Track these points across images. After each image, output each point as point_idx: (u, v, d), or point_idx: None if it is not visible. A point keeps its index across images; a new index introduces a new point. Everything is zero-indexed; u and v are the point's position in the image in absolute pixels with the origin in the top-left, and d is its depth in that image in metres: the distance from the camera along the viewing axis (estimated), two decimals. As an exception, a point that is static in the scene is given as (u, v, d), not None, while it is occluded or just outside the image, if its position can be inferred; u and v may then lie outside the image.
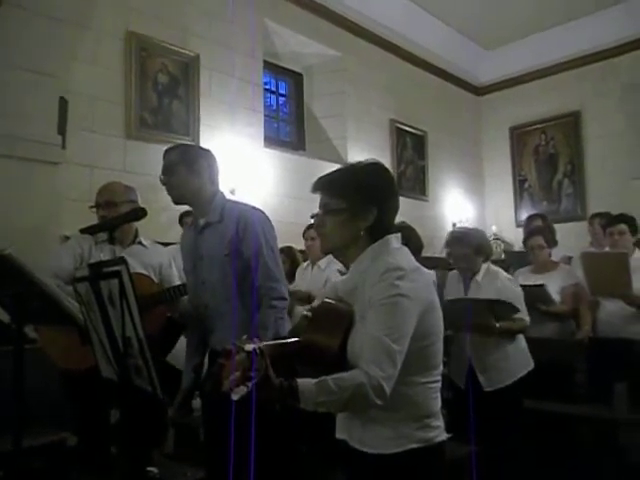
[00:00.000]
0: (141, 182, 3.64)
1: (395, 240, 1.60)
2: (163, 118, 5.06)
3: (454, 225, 7.96)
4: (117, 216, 2.61)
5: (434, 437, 1.53)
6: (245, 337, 1.32)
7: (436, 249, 7.09)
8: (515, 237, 7.91)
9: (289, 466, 2.31)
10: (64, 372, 2.69)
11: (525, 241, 4.27)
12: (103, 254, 2.56)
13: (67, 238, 3.28)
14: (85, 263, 2.57)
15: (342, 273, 1.70)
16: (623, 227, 3.87)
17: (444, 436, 1.56)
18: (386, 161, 7.07)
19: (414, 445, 1.49)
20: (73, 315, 1.94)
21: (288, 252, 4.41)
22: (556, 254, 4.72)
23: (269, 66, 6.65)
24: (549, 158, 8.48)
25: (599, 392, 3.62)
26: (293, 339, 1.57)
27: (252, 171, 5.56)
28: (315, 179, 1.65)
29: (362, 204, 1.56)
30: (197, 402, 2.56)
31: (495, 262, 3.41)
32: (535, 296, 3.71)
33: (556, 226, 5.11)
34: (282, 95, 7.13)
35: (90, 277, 1.70)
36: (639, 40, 7.53)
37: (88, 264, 1.85)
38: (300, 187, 5.66)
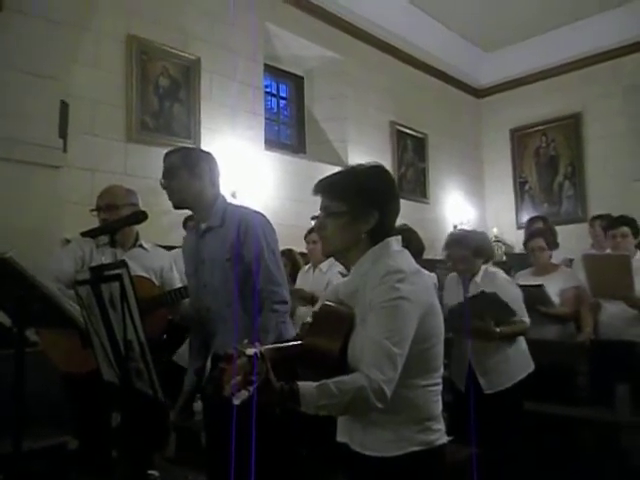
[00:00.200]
0: (142, 185, 3.64)
1: (396, 243, 1.60)
2: (164, 121, 5.07)
3: (455, 227, 7.95)
4: (118, 219, 2.61)
5: (435, 440, 1.52)
6: (246, 341, 1.32)
7: (437, 251, 7.08)
8: (516, 239, 7.91)
9: (290, 470, 2.30)
10: (65, 375, 2.69)
11: (526, 243, 4.27)
12: (104, 257, 2.57)
13: (68, 241, 3.29)
14: (86, 266, 2.57)
15: (343, 275, 1.70)
16: (625, 230, 3.87)
17: (445, 439, 1.56)
18: (387, 163, 7.04)
19: (415, 448, 1.49)
20: (74, 318, 1.95)
21: (289, 255, 4.41)
22: (557, 256, 4.71)
23: (270, 69, 6.66)
24: (550, 160, 8.48)
25: (601, 395, 3.61)
26: (294, 342, 1.57)
27: (253, 174, 5.56)
28: (316, 182, 1.65)
29: (363, 207, 1.56)
30: (199, 405, 2.56)
31: (496, 264, 3.40)
32: (534, 297, 3.70)
33: (557, 228, 5.10)
34: (283, 98, 7.14)
35: (91, 280, 1.70)
36: (640, 42, 7.55)
37: (89, 267, 1.85)
38: (301, 190, 5.67)
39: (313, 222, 1.66)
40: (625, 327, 3.77)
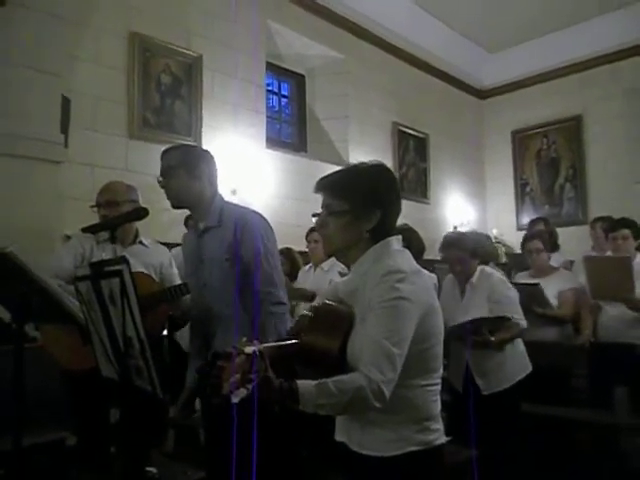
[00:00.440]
0: (143, 182, 3.64)
1: (396, 242, 1.60)
2: (166, 118, 5.07)
3: (455, 228, 7.96)
4: (119, 215, 2.61)
5: (434, 440, 1.52)
6: (245, 339, 1.31)
7: (437, 252, 7.09)
8: (516, 240, 7.81)
9: (289, 470, 2.30)
10: (64, 371, 2.69)
11: (523, 244, 4.27)
12: (105, 253, 2.57)
13: (68, 237, 3.29)
14: (86, 262, 2.57)
15: (342, 274, 1.70)
16: (626, 232, 3.87)
17: (443, 439, 1.56)
18: (388, 163, 6.89)
19: (414, 448, 1.48)
20: (73, 314, 1.94)
21: (287, 254, 4.40)
22: (557, 259, 4.71)
23: (272, 67, 6.65)
24: (551, 162, 8.48)
25: (600, 397, 3.62)
26: (293, 341, 1.57)
27: (254, 172, 5.56)
28: (317, 181, 1.65)
29: (365, 206, 1.56)
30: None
31: (497, 265, 3.41)
32: (530, 295, 3.70)
33: (558, 230, 5.11)
34: (284, 96, 7.13)
35: (91, 276, 1.70)
36: (642, 45, 7.54)
37: (89, 263, 1.85)
38: (301, 189, 5.68)
39: (314, 219, 1.66)
40: (624, 329, 3.77)
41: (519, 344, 3.19)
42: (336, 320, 1.55)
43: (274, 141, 6.41)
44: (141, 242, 2.91)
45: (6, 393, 1.87)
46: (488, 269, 3.28)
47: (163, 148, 2.41)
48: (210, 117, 5.36)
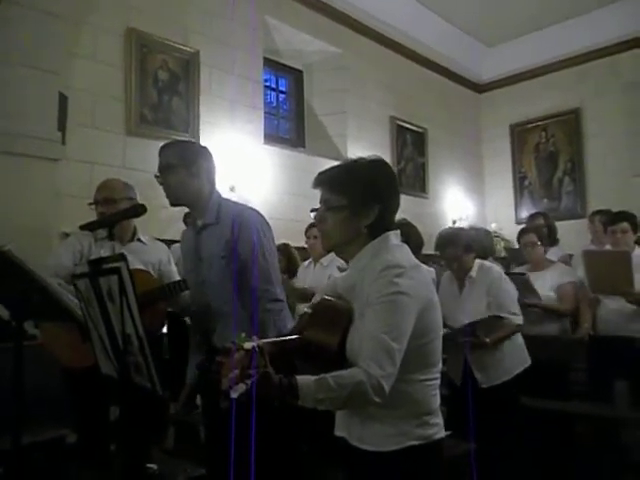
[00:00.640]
0: (141, 179, 3.63)
1: (394, 237, 1.59)
2: (163, 115, 5.06)
3: (454, 222, 7.96)
4: (117, 212, 2.60)
5: (433, 434, 1.52)
6: (244, 335, 1.31)
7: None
8: (516, 234, 7.86)
9: (289, 465, 2.31)
10: (64, 369, 2.69)
11: (519, 238, 4.28)
12: (103, 251, 2.56)
13: (67, 235, 3.29)
14: (85, 260, 2.57)
15: (341, 270, 1.70)
16: (625, 225, 3.86)
17: (443, 433, 1.56)
18: (386, 158, 6.89)
19: (413, 442, 1.49)
20: (72, 311, 1.94)
21: (284, 250, 4.39)
22: (556, 252, 4.71)
23: (269, 63, 6.64)
24: (549, 156, 8.47)
25: (600, 390, 3.62)
26: (292, 336, 1.57)
27: (252, 168, 5.55)
28: (315, 176, 1.65)
29: (364, 201, 1.56)
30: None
31: (496, 259, 3.41)
32: (518, 284, 3.69)
33: (556, 224, 5.10)
34: (282, 92, 7.12)
35: (90, 273, 1.69)
36: (640, 38, 7.53)
37: (88, 261, 1.85)
38: (300, 184, 5.67)
39: (313, 215, 1.65)
40: (624, 323, 3.77)
41: (517, 338, 3.20)
42: (335, 315, 1.55)
43: (272, 137, 6.40)
44: (139, 239, 2.90)
45: (5, 391, 1.87)
46: (488, 263, 3.29)
47: (161, 144, 2.40)
48: (208, 113, 5.35)
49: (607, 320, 3.89)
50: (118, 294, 1.58)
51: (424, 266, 1.65)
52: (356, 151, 6.53)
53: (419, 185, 7.92)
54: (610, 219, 4.07)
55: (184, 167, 2.28)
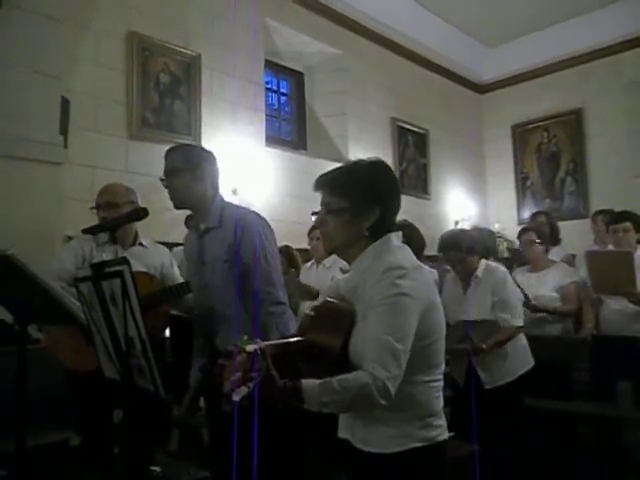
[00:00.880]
0: (143, 182, 3.65)
1: (396, 238, 1.60)
2: (165, 118, 5.06)
3: (456, 223, 7.95)
4: (119, 216, 2.61)
5: (436, 436, 1.52)
6: (246, 337, 1.32)
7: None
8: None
9: (293, 468, 2.31)
10: (67, 372, 2.69)
11: (519, 237, 4.28)
12: (106, 254, 2.57)
13: (70, 238, 3.29)
14: (88, 264, 2.57)
15: (343, 271, 1.70)
16: (628, 225, 3.86)
17: (446, 435, 1.56)
18: (388, 159, 6.98)
19: (417, 444, 1.49)
20: (75, 314, 1.95)
21: (286, 251, 4.40)
22: (559, 252, 4.71)
23: (270, 65, 6.64)
24: (551, 156, 8.46)
25: (603, 390, 3.62)
26: (295, 338, 1.57)
27: (254, 170, 5.56)
28: (316, 179, 1.65)
29: (365, 203, 1.56)
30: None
31: (498, 260, 3.41)
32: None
33: (559, 224, 5.10)
34: (283, 94, 7.13)
35: (92, 277, 1.70)
36: (642, 37, 7.52)
37: (90, 264, 1.85)
38: (301, 186, 5.67)
39: (314, 218, 1.66)
40: (627, 323, 3.77)
41: (521, 339, 3.20)
42: (338, 318, 1.55)
43: (273, 139, 6.41)
44: (141, 243, 2.91)
45: (9, 394, 1.87)
46: (493, 264, 3.28)
47: (163, 148, 2.42)
48: (209, 116, 5.36)
49: (610, 320, 3.88)
50: (121, 297, 1.58)
51: (426, 267, 1.65)
52: (357, 153, 6.53)
53: (421, 186, 7.92)
54: (612, 218, 4.07)
55: (189, 171, 2.30)
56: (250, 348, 1.27)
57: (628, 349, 3.62)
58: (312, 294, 3.94)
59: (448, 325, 1.64)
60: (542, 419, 3.40)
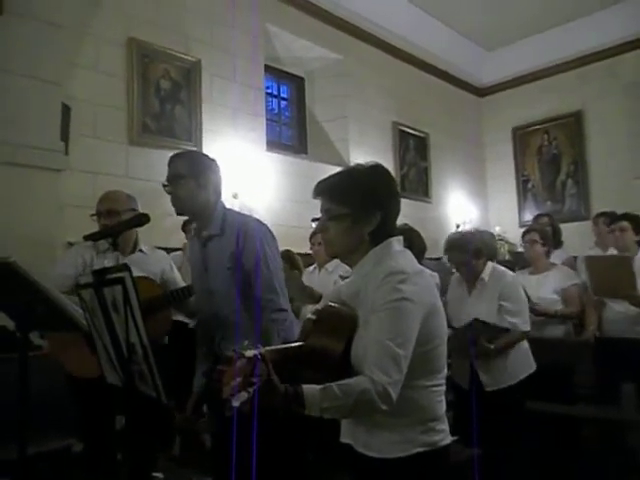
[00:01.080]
0: (144, 188, 3.66)
1: (397, 243, 1.59)
2: (166, 124, 5.07)
3: (457, 227, 7.95)
4: (121, 222, 2.61)
5: (439, 441, 1.52)
6: (246, 342, 1.31)
7: (440, 251, 7.07)
8: (519, 238, 7.86)
9: (296, 473, 2.31)
10: (69, 378, 2.69)
11: (522, 237, 4.28)
12: (107, 261, 2.57)
13: (71, 244, 3.29)
14: (89, 270, 2.58)
15: (343, 278, 1.70)
16: (624, 224, 3.87)
17: (449, 439, 1.56)
18: (389, 163, 7.06)
19: (419, 449, 1.48)
20: (77, 321, 1.95)
21: (287, 256, 4.39)
22: (560, 255, 4.71)
23: (271, 70, 6.66)
24: (552, 158, 8.46)
25: (606, 393, 3.61)
26: (296, 344, 1.57)
27: (254, 175, 5.56)
28: (314, 186, 1.65)
29: (365, 208, 1.56)
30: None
31: (499, 262, 3.40)
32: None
33: (560, 226, 5.10)
34: (284, 99, 7.14)
35: (94, 284, 1.70)
36: (641, 39, 7.52)
37: (92, 271, 1.86)
38: (302, 191, 5.67)
39: (314, 224, 1.66)
40: (630, 325, 3.77)
41: (523, 343, 3.19)
42: (339, 322, 1.55)
43: (274, 144, 6.41)
44: (141, 250, 2.92)
45: (11, 401, 1.87)
46: (501, 268, 3.26)
47: (164, 153, 2.44)
48: (210, 121, 5.37)
49: (613, 322, 3.88)
50: (122, 304, 1.59)
51: (428, 271, 1.65)
52: (358, 157, 6.59)
53: (422, 190, 7.92)
54: (612, 220, 4.08)
55: (193, 178, 2.31)
56: (249, 353, 1.26)
57: (631, 351, 3.61)
58: (314, 297, 3.94)
59: (450, 326, 1.64)
60: (545, 422, 3.39)
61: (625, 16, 7.40)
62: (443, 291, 3.35)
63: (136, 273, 2.37)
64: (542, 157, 8.57)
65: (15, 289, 1.87)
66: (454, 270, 3.41)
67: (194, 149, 4.82)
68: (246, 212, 2.93)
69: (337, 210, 1.57)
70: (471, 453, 2.42)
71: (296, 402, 1.32)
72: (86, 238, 2.37)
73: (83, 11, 4.57)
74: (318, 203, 1.64)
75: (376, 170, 1.63)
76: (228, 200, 4.18)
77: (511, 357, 3.07)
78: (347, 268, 1.68)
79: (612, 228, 3.94)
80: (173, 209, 2.39)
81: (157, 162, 4.43)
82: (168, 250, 3.23)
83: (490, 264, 3.22)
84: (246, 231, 2.26)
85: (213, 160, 2.45)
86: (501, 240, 7.98)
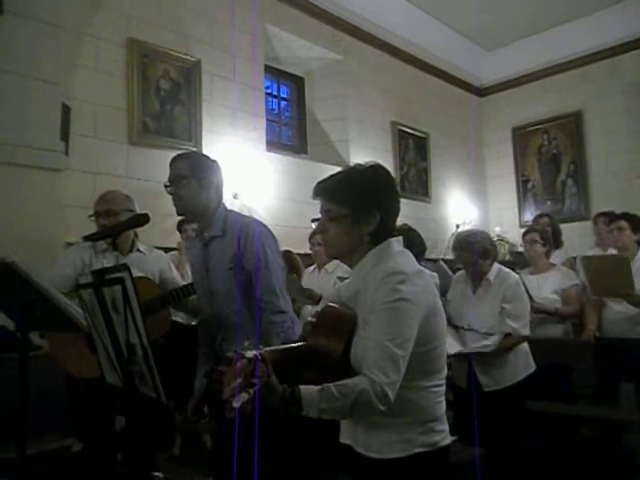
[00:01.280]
0: (144, 188, 3.65)
1: (397, 243, 1.60)
2: (165, 124, 5.07)
3: (457, 227, 7.95)
4: (120, 222, 2.61)
5: (439, 441, 1.52)
6: (247, 343, 1.32)
7: (439, 251, 7.08)
8: (519, 238, 7.86)
9: (296, 474, 2.31)
10: (69, 378, 2.69)
11: (523, 237, 4.29)
12: (106, 261, 2.58)
13: (70, 244, 3.30)
14: (88, 271, 2.58)
15: (342, 279, 1.70)
16: (622, 223, 3.87)
17: (449, 440, 1.56)
18: (388, 163, 7.06)
19: (419, 450, 1.48)
20: (77, 321, 1.95)
21: (287, 256, 4.38)
22: (560, 256, 4.71)
23: (270, 70, 6.65)
24: (552, 158, 8.46)
25: (606, 392, 3.61)
26: (296, 344, 1.57)
27: (255, 175, 5.56)
28: (314, 186, 1.65)
29: (365, 209, 1.56)
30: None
31: (500, 263, 3.40)
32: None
33: (560, 226, 5.10)
34: (284, 99, 7.13)
35: (94, 284, 1.70)
36: (641, 39, 7.52)
37: (91, 271, 1.86)
38: (302, 191, 5.67)
39: (314, 225, 1.66)
40: (629, 325, 3.77)
41: (523, 344, 3.19)
42: (339, 323, 1.55)
43: (274, 144, 6.41)
44: (138, 250, 2.92)
45: (11, 401, 1.87)
46: (506, 269, 3.26)
47: (164, 153, 2.44)
48: (210, 121, 5.36)
49: (612, 323, 3.88)
50: (122, 304, 1.59)
51: (427, 271, 1.65)
52: (358, 157, 6.58)
53: (422, 190, 7.91)
54: (612, 220, 4.08)
55: (195, 180, 2.31)
56: (250, 354, 1.27)
57: (631, 351, 3.61)
58: (314, 298, 3.94)
59: (451, 324, 1.64)
60: (544, 422, 3.39)
61: (625, 16, 7.40)
62: (443, 292, 3.35)
63: (135, 273, 2.37)
64: (542, 157, 8.56)
65: (14, 289, 1.87)
66: (451, 273, 3.42)
67: (194, 149, 4.82)
68: (246, 212, 2.94)
69: (337, 211, 1.57)
70: (472, 452, 2.42)
71: (293, 403, 1.32)
72: (86, 238, 2.37)
73: (83, 11, 4.57)
74: (318, 203, 1.64)
75: (376, 170, 1.63)
76: (228, 200, 4.17)
77: (510, 359, 3.07)
78: (347, 269, 1.68)
79: (610, 228, 3.94)
80: (173, 209, 2.39)
81: (157, 162, 4.43)
82: (166, 250, 3.22)
83: (496, 265, 3.22)
84: (247, 233, 2.26)
85: (215, 161, 2.45)
86: (501, 240, 7.98)
